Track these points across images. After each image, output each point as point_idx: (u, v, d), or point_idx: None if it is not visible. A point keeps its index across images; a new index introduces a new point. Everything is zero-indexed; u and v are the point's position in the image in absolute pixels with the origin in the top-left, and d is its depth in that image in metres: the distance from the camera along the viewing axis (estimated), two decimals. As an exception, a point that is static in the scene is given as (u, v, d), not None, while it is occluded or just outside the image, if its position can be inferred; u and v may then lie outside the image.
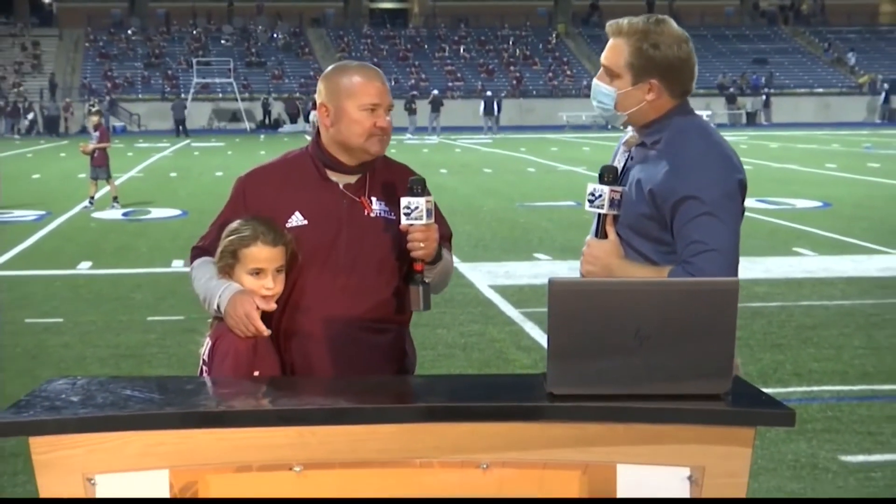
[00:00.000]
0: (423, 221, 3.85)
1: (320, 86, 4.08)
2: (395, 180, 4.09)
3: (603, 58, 3.91)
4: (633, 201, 3.79)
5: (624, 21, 3.86)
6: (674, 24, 3.87)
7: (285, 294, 3.97)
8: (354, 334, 4.03)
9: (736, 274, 3.69)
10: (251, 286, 3.86)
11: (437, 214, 4.05)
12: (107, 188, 23.12)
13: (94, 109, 26.48)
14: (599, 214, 3.83)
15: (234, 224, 3.93)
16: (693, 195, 3.66)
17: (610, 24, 3.91)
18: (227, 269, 3.91)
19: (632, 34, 3.81)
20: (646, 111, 3.85)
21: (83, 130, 59.99)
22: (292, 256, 3.92)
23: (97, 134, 22.96)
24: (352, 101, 3.97)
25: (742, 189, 3.80)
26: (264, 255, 3.86)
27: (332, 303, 4.00)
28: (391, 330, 4.14)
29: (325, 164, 4.07)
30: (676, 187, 3.68)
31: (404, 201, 3.85)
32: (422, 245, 3.89)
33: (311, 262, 3.99)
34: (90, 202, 22.66)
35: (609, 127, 3.91)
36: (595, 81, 3.95)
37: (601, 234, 3.83)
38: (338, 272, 4.00)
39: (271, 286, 3.87)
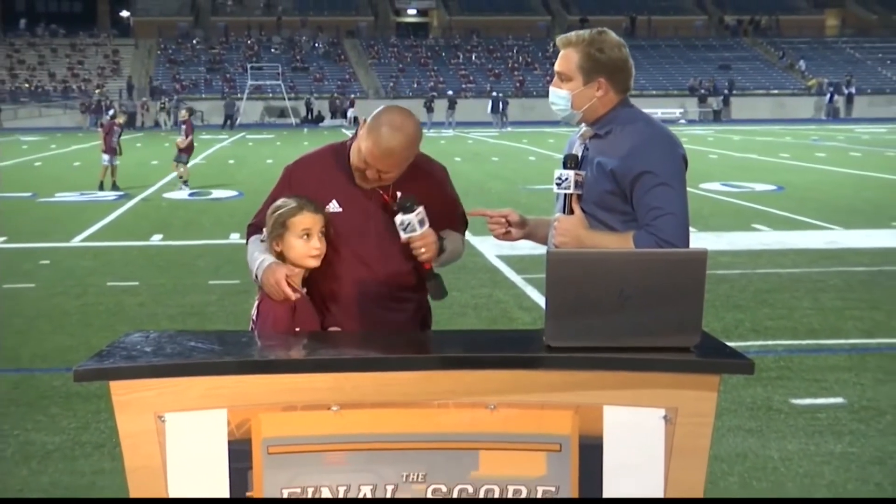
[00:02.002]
0: (418, 232, 3.84)
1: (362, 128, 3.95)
2: (422, 174, 4.03)
3: (556, 66, 3.95)
4: (596, 181, 3.83)
5: (572, 34, 3.93)
6: (613, 34, 3.95)
7: (324, 266, 3.96)
8: (382, 303, 4.02)
9: (688, 230, 3.77)
10: (301, 249, 3.87)
11: (449, 201, 4.08)
12: (179, 171, 23.14)
13: (185, 107, 26.53)
14: (566, 195, 3.86)
15: (279, 202, 3.94)
16: (648, 170, 3.72)
17: (560, 38, 3.97)
18: (277, 239, 3.91)
19: (579, 43, 3.88)
20: (596, 107, 3.89)
21: (156, 125, 60.25)
22: (327, 226, 3.92)
23: (184, 127, 23.12)
24: (362, 149, 3.87)
25: (685, 162, 3.86)
26: (309, 220, 3.87)
27: (362, 278, 3.98)
28: (412, 300, 4.12)
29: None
30: (633, 165, 3.74)
31: (398, 219, 3.84)
32: (423, 250, 3.88)
33: (345, 243, 3.97)
34: (184, 184, 22.83)
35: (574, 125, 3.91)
36: (551, 88, 3.98)
37: (568, 210, 3.86)
38: (367, 254, 3.98)
39: (318, 245, 3.88)
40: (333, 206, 3.97)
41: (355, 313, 4.02)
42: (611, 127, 3.88)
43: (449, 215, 4.13)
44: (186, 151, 22.94)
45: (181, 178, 22.84)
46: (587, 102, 3.89)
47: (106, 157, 22.77)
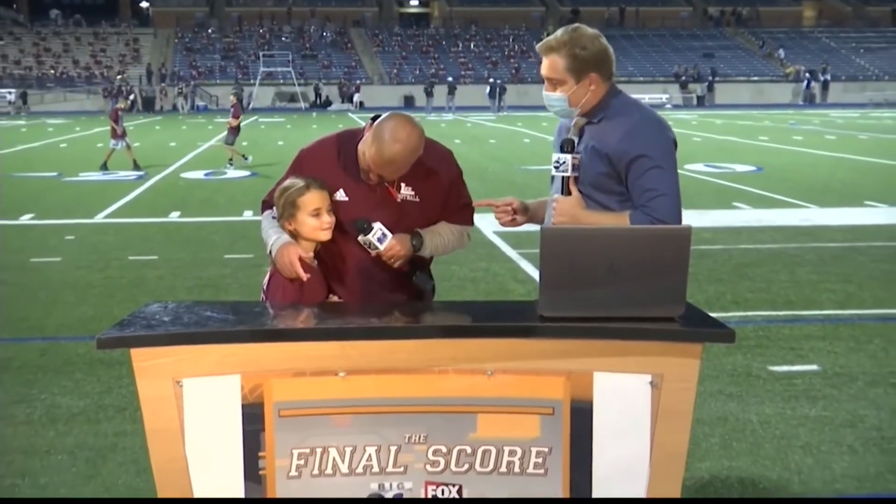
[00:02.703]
0: (381, 248, 3.88)
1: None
2: (427, 165, 3.97)
3: (545, 73, 3.88)
4: (592, 164, 3.82)
5: (550, 39, 3.86)
6: (587, 27, 3.90)
7: (331, 250, 3.96)
8: (384, 285, 4.01)
9: (680, 209, 3.76)
10: (313, 224, 3.88)
11: (452, 197, 4.05)
12: (230, 152, 23.23)
13: (233, 92, 26.74)
14: (564, 177, 3.85)
15: (286, 182, 3.95)
16: (643, 154, 3.72)
17: (540, 46, 3.91)
18: (290, 218, 3.90)
19: (561, 47, 3.82)
20: (590, 100, 3.86)
21: (174, 108, 60.10)
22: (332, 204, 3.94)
23: (232, 110, 23.34)
24: (366, 153, 3.83)
25: (675, 145, 3.85)
26: (318, 198, 3.88)
27: (365, 263, 3.97)
28: (411, 284, 4.10)
29: None
30: (628, 149, 3.73)
31: (360, 240, 3.89)
32: (392, 261, 3.91)
33: (350, 231, 3.96)
34: (229, 163, 23.02)
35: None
36: (544, 94, 3.93)
37: (566, 192, 3.84)
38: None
39: (328, 220, 3.89)
40: (340, 195, 3.95)
41: (359, 294, 4.02)
42: (603, 114, 3.86)
43: (449, 210, 4.09)
44: (234, 133, 23.37)
45: (230, 159, 22.96)
46: (583, 98, 3.85)
47: (113, 141, 22.90)
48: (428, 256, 4.07)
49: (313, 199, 3.87)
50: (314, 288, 3.91)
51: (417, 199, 3.96)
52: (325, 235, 3.91)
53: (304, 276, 3.83)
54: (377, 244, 3.86)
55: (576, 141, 3.91)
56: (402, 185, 3.94)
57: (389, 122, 3.81)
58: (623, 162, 3.74)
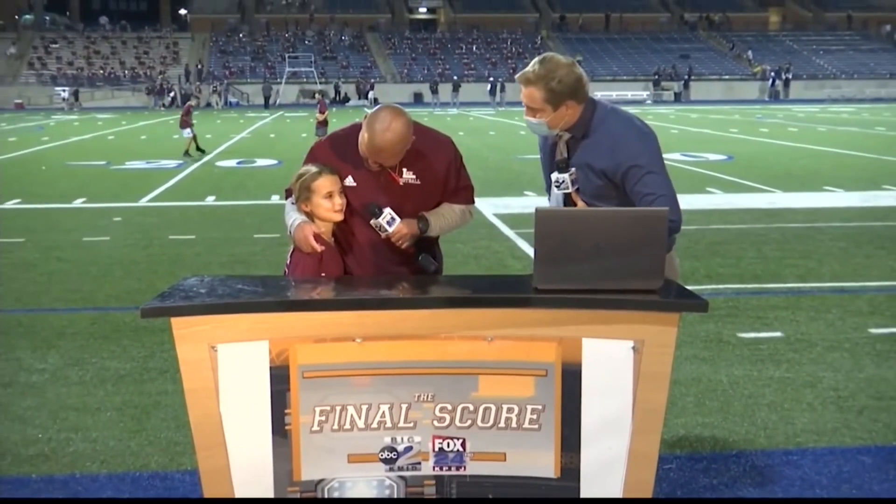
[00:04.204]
0: (390, 230, 3.82)
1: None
2: (426, 151, 3.93)
3: (524, 100, 3.82)
4: (589, 181, 3.80)
5: (527, 72, 3.77)
6: (559, 56, 3.81)
7: (344, 229, 3.94)
8: (392, 259, 3.97)
9: (678, 203, 3.74)
10: (327, 206, 3.85)
11: (451, 178, 3.98)
12: None
13: (317, 89, 27.29)
14: (565, 195, 3.82)
15: (301, 169, 3.92)
16: (634, 164, 3.70)
17: (518, 77, 3.82)
18: (305, 201, 3.88)
19: (538, 80, 3.74)
20: (569, 120, 3.82)
21: (208, 105, 59.97)
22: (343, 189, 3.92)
23: (318, 106, 24.13)
24: (361, 143, 3.79)
25: (658, 145, 3.82)
26: (330, 181, 3.85)
27: (374, 241, 3.93)
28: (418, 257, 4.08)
29: None
30: (620, 161, 3.70)
31: (372, 223, 3.83)
32: (400, 242, 3.87)
33: (360, 213, 3.91)
34: None
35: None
36: (525, 118, 3.89)
37: (571, 205, 3.82)
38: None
39: (340, 202, 3.86)
40: (349, 182, 3.92)
41: (367, 267, 3.99)
42: (586, 129, 3.82)
43: (451, 190, 4.04)
44: (322, 126, 23.84)
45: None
46: (561, 121, 3.82)
47: (186, 131, 23.37)
48: (435, 236, 4.05)
49: (325, 183, 3.85)
50: (330, 264, 3.89)
51: (419, 182, 3.92)
52: (338, 216, 3.88)
53: (319, 248, 3.81)
54: (386, 227, 3.82)
55: (567, 157, 3.86)
56: (404, 170, 3.90)
57: (378, 114, 3.77)
58: (618, 174, 3.72)
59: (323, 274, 3.84)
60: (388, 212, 3.83)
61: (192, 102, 25.03)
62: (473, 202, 4.16)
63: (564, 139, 3.90)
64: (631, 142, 3.74)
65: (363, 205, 3.87)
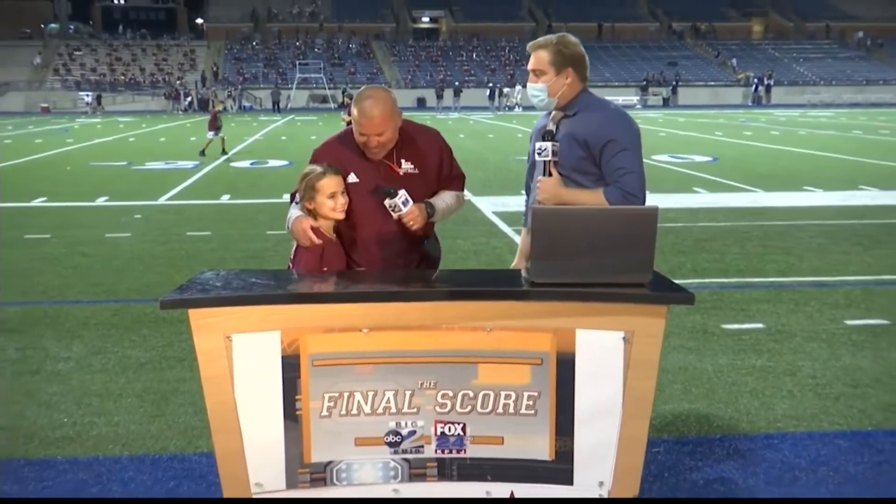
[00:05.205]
0: (404, 211, 3.82)
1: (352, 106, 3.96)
2: (419, 142, 3.98)
3: (531, 66, 3.95)
4: (571, 150, 3.83)
5: (540, 38, 3.97)
6: (571, 36, 3.99)
7: (347, 223, 3.93)
8: (393, 250, 3.97)
9: (645, 185, 3.79)
10: (330, 206, 3.85)
11: (445, 165, 4.03)
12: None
13: (345, 93, 27.18)
14: (545, 162, 3.86)
15: (307, 169, 3.92)
16: (614, 138, 3.76)
17: (531, 44, 3.99)
18: (309, 199, 3.88)
19: (548, 45, 3.92)
20: (566, 94, 3.90)
21: (225, 109, 59.80)
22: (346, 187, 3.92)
23: (345, 109, 23.94)
24: (356, 126, 3.87)
25: (639, 134, 3.87)
26: (333, 181, 3.85)
27: (376, 233, 3.93)
28: (416, 251, 4.05)
29: None
30: (602, 135, 3.76)
31: (386, 203, 3.82)
32: (412, 223, 3.86)
33: (362, 207, 3.91)
34: None
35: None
36: (529, 85, 3.98)
37: (547, 174, 3.86)
38: (378, 215, 3.90)
39: (342, 201, 3.86)
40: (351, 178, 3.93)
41: (371, 260, 3.99)
42: (578, 108, 3.89)
43: (445, 177, 4.07)
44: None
45: None
46: (560, 90, 3.89)
47: (211, 133, 23.53)
48: (438, 220, 4.06)
49: (329, 183, 3.84)
50: (332, 258, 3.88)
51: (417, 172, 3.95)
52: (340, 216, 3.87)
53: (317, 241, 3.80)
54: (402, 207, 3.81)
55: (554, 131, 3.91)
56: (402, 161, 3.93)
57: (362, 92, 3.87)
58: (598, 146, 3.76)
59: (325, 268, 3.84)
60: (402, 193, 3.83)
61: (220, 108, 24.88)
62: (464, 189, 4.22)
63: (556, 119, 3.97)
64: (615, 121, 3.83)
65: (377, 187, 3.87)
